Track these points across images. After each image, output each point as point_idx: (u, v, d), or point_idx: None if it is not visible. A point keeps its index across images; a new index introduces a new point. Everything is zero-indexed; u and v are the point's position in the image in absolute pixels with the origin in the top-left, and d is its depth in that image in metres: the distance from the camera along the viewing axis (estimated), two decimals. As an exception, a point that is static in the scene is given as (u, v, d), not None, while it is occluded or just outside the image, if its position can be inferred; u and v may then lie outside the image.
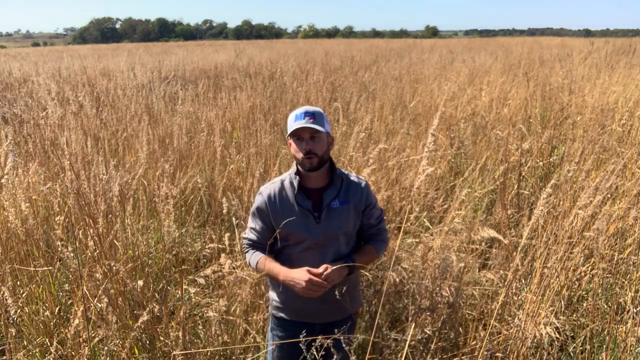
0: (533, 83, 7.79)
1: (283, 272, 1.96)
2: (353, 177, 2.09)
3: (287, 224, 1.96)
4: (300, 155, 1.93)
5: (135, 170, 3.91)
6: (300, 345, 1.65)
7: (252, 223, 2.10)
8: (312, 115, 1.92)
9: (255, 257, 2.07)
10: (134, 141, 5.00)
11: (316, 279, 1.87)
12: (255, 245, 2.10)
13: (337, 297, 1.89)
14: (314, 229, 1.97)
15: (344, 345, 1.55)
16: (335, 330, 1.66)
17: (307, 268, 1.91)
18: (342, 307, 2.05)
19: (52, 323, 2.74)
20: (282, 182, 2.04)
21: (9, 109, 6.66)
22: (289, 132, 1.96)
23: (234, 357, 2.63)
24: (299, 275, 1.89)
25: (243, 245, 2.16)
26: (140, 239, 3.22)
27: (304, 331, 1.76)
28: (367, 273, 2.88)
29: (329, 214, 1.98)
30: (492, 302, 2.74)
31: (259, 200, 2.05)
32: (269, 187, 2.05)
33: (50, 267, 2.99)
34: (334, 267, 1.92)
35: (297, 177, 1.99)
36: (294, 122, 1.93)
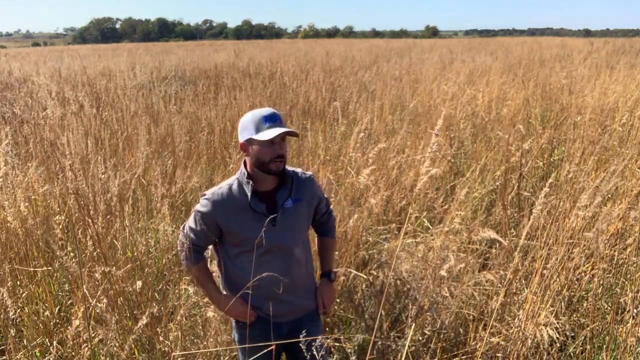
0: (533, 83, 7.79)
1: (224, 302, 1.99)
2: (299, 172, 2.04)
3: (243, 230, 1.90)
4: (269, 158, 1.83)
5: (134, 170, 3.90)
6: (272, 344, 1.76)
7: (193, 223, 1.98)
8: (280, 118, 1.86)
9: (189, 263, 2.01)
10: (135, 139, 5.00)
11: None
12: (193, 246, 2.00)
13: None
14: (270, 232, 1.88)
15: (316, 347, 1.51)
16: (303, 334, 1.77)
17: (256, 314, 1.98)
18: (303, 305, 2.09)
19: (52, 323, 2.73)
20: (230, 188, 1.94)
21: (9, 108, 6.66)
22: (260, 135, 1.81)
23: (233, 357, 2.62)
24: (242, 310, 1.96)
25: (180, 241, 2.04)
26: (139, 239, 3.22)
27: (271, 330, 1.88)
28: (366, 274, 2.87)
29: (284, 214, 1.93)
30: (492, 302, 2.74)
31: (204, 204, 1.94)
32: (217, 193, 1.94)
33: (50, 267, 2.99)
34: (328, 294, 2.13)
35: (251, 182, 1.91)
36: (264, 124, 1.82)
